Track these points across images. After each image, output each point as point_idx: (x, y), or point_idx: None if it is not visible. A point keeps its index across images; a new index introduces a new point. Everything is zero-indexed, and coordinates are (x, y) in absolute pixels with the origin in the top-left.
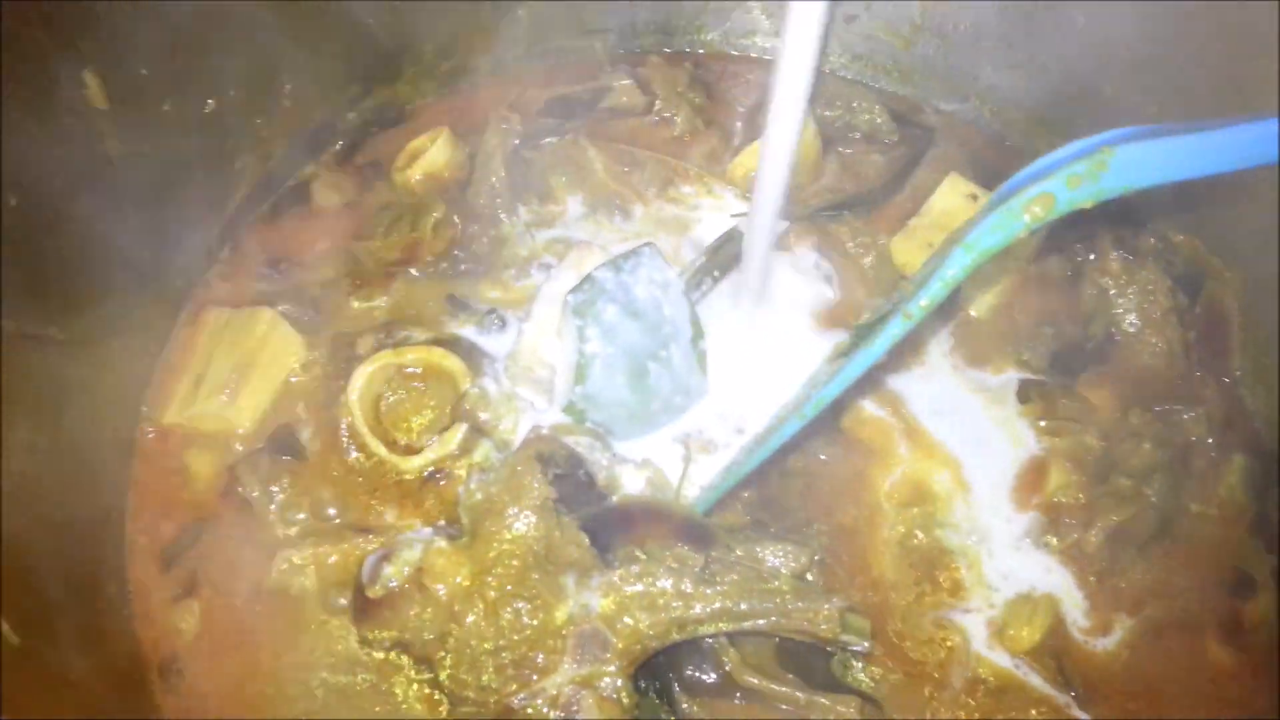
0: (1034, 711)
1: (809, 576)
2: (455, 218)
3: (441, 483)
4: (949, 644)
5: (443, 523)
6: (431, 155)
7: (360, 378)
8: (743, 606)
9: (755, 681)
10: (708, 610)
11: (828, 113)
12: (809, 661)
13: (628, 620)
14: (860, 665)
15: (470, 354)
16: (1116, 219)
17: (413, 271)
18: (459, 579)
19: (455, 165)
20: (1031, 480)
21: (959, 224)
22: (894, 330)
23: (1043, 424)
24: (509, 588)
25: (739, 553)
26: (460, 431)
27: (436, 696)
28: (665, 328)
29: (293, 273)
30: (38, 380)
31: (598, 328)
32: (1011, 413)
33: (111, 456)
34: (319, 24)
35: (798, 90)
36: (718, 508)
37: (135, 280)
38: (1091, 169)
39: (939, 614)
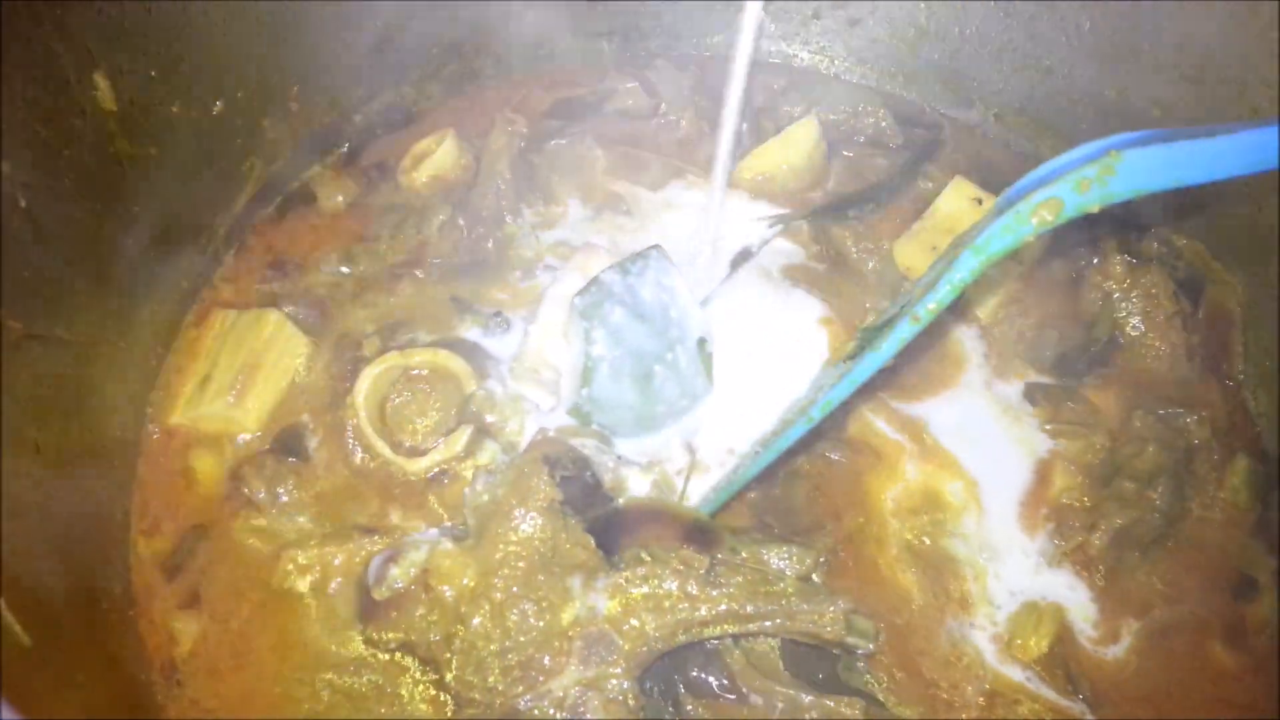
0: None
1: (814, 579)
2: (461, 220)
3: (447, 484)
4: (955, 649)
5: (449, 524)
6: (437, 157)
7: (366, 379)
8: (748, 609)
9: (760, 683)
10: (713, 612)
11: (833, 116)
12: (815, 664)
13: (634, 622)
14: (865, 667)
15: (476, 356)
16: (1120, 223)
17: (418, 273)
18: (465, 580)
19: (461, 167)
20: (1041, 493)
21: (963, 228)
22: (901, 333)
23: (1048, 427)
24: (515, 589)
25: (744, 555)
26: (466, 433)
27: (442, 698)
28: (672, 330)
29: (298, 275)
30: (44, 380)
31: (604, 330)
32: (1029, 431)
33: (117, 457)
34: (325, 27)
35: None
36: (723, 510)
37: (141, 281)
38: (1099, 173)
39: (945, 619)
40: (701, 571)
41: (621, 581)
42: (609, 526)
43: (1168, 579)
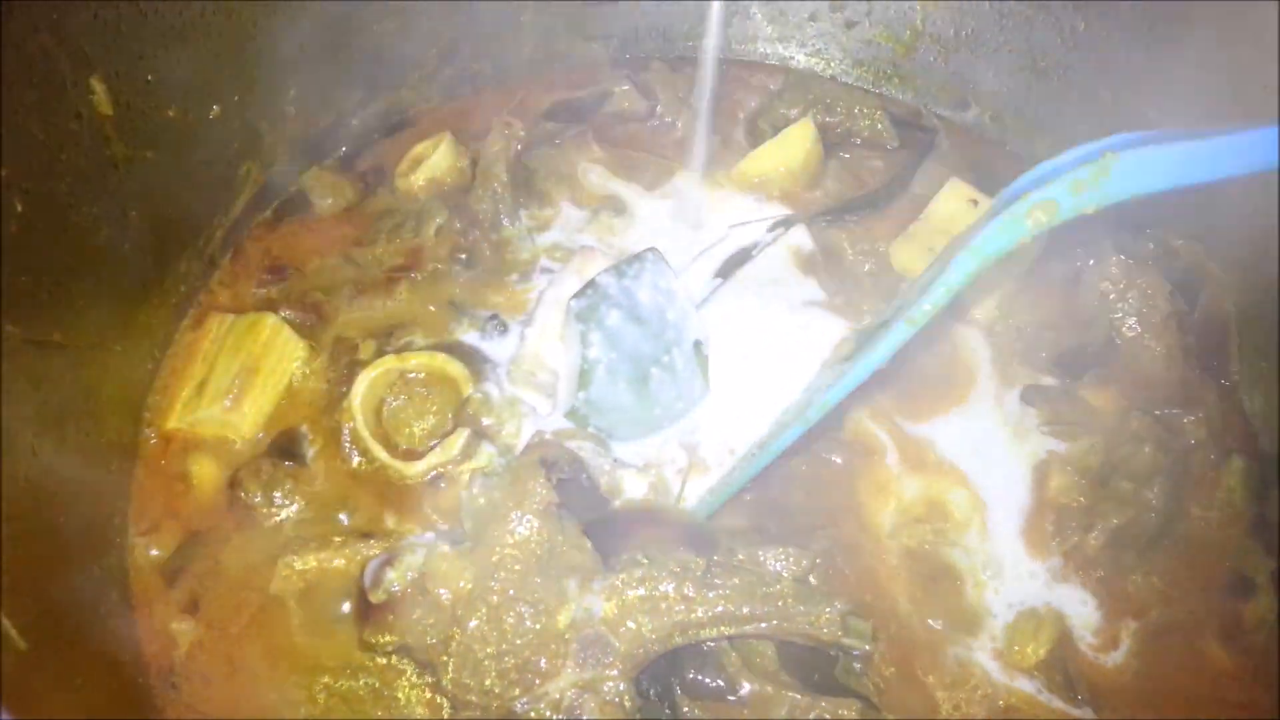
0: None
1: (811, 580)
2: (458, 223)
3: (443, 488)
4: (952, 655)
5: (445, 527)
6: (434, 161)
7: (363, 383)
8: (744, 610)
9: (757, 685)
10: (710, 614)
11: (829, 118)
12: (812, 665)
13: (630, 624)
14: (862, 669)
15: (472, 359)
16: (1116, 224)
17: (415, 277)
18: (462, 583)
19: (457, 171)
20: (1040, 498)
21: (960, 229)
22: (897, 335)
23: (1045, 428)
24: (511, 592)
25: (741, 557)
26: (463, 437)
27: (439, 701)
28: (668, 333)
29: (295, 279)
30: (41, 384)
31: (601, 333)
32: (1030, 436)
33: (114, 462)
34: (322, 30)
35: None
36: (720, 512)
37: (138, 286)
38: (1095, 175)
39: (942, 624)
40: (698, 573)
41: (618, 584)
42: (606, 529)
43: (1165, 579)
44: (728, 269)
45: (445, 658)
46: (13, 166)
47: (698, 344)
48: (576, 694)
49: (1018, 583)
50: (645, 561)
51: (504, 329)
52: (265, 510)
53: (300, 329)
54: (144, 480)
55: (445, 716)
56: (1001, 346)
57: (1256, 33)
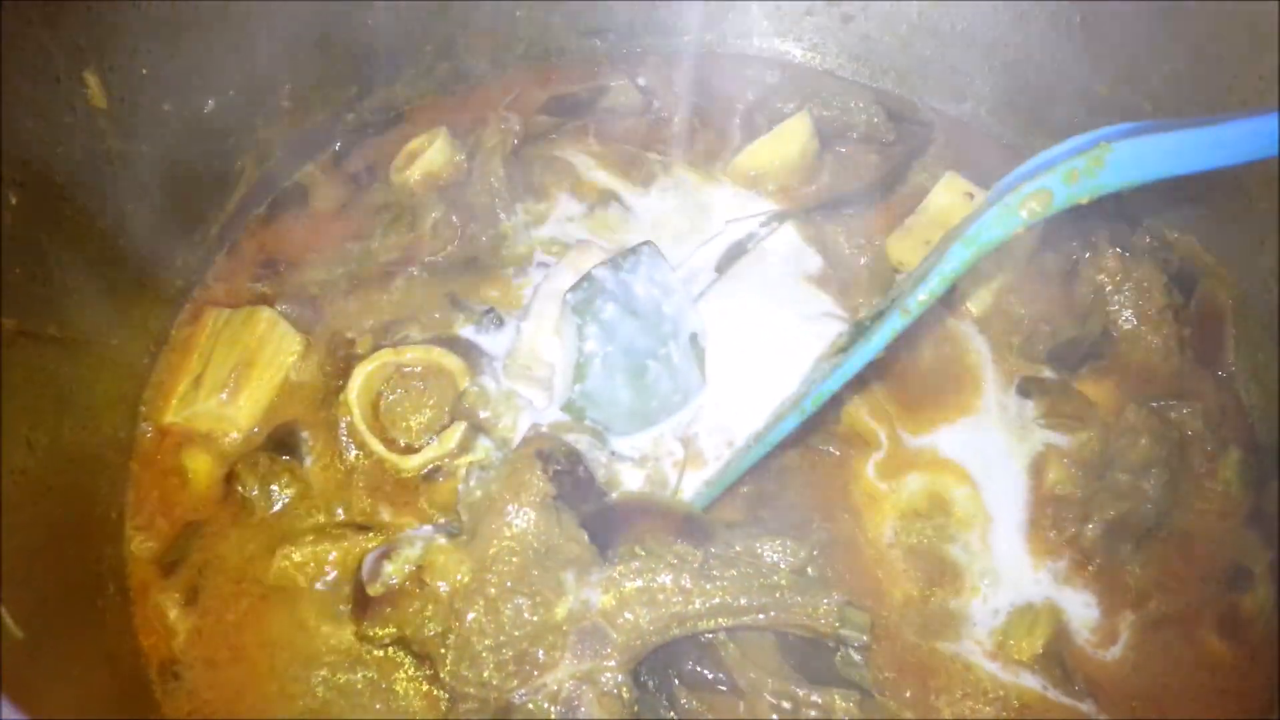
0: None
1: (809, 572)
2: (454, 217)
3: (441, 481)
4: (949, 648)
5: (442, 520)
6: (430, 155)
7: (359, 376)
8: (742, 601)
9: (755, 676)
10: (707, 605)
11: (825, 112)
12: (810, 656)
13: (628, 616)
14: (861, 660)
15: (469, 353)
16: (1112, 216)
17: (412, 271)
18: (459, 576)
19: (454, 165)
20: (1038, 491)
21: (956, 222)
22: (892, 325)
23: (1041, 420)
24: (509, 584)
25: (738, 548)
26: (459, 430)
27: (436, 693)
28: (664, 326)
29: (291, 273)
30: (37, 378)
31: (597, 326)
32: (1028, 429)
33: (110, 455)
34: (317, 25)
35: None
36: (717, 504)
37: (134, 279)
38: (1089, 165)
39: (939, 617)
40: (695, 565)
41: (615, 575)
42: (603, 521)
43: (1162, 570)
44: (724, 262)
45: (443, 650)
46: (7, 159)
47: (694, 337)
48: (574, 685)
49: (1014, 576)
50: (642, 553)
51: (500, 323)
52: (262, 504)
53: (296, 323)
54: (140, 474)
55: (443, 709)
56: (998, 341)
57: (1252, 24)
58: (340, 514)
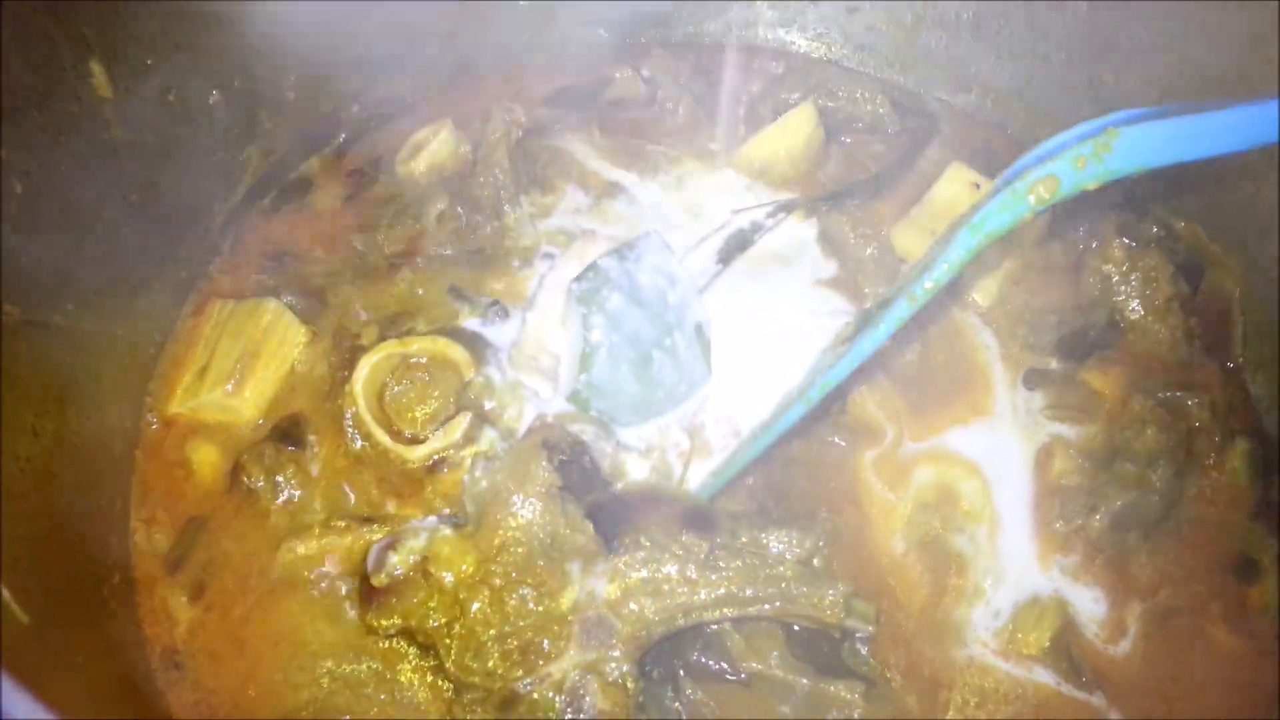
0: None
1: (814, 562)
2: (459, 209)
3: (446, 472)
4: (955, 639)
5: (447, 511)
6: (434, 147)
7: (365, 367)
8: (747, 592)
9: (759, 667)
10: (712, 596)
11: (830, 103)
12: (816, 647)
13: (633, 606)
14: (867, 651)
15: (474, 344)
16: (1119, 206)
17: (417, 262)
18: (464, 566)
19: (458, 157)
20: (1045, 483)
21: (961, 212)
22: (899, 312)
23: (1048, 411)
24: (514, 574)
25: (743, 539)
26: (465, 421)
27: (441, 683)
28: (669, 316)
29: (296, 264)
30: (43, 367)
31: (602, 316)
32: (1035, 421)
33: (116, 446)
34: (321, 16)
35: None
36: (722, 494)
37: (139, 270)
38: (1096, 150)
39: (946, 609)
40: (701, 555)
41: (620, 566)
42: (608, 512)
43: (1169, 561)
44: (729, 253)
45: (448, 640)
46: (12, 149)
47: (699, 327)
48: (580, 675)
49: (1021, 568)
50: (648, 544)
51: (505, 314)
52: (268, 495)
53: (302, 314)
54: (145, 465)
55: (448, 698)
56: (1004, 332)
57: (1259, 10)
58: (346, 505)
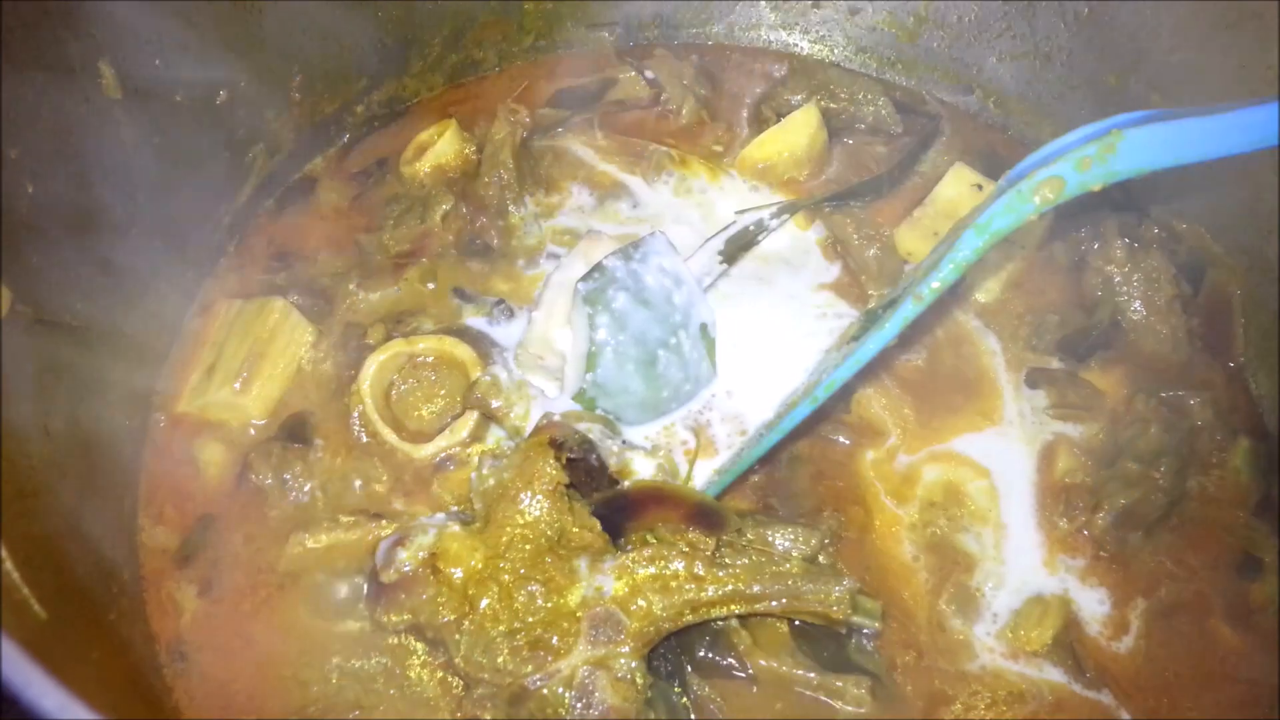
0: (1051, 706)
1: (820, 559)
2: (464, 209)
3: (453, 470)
4: (960, 636)
5: (456, 508)
6: (439, 148)
7: (372, 365)
8: (754, 589)
9: (766, 663)
10: (720, 592)
11: (833, 104)
12: (824, 643)
13: (641, 602)
14: (873, 648)
15: (480, 343)
16: (1121, 207)
17: (423, 262)
18: (473, 563)
19: (463, 157)
20: (1049, 481)
21: (964, 213)
22: (905, 312)
23: (1051, 411)
24: (523, 571)
25: (750, 536)
26: (471, 419)
27: (450, 679)
28: (675, 316)
29: (303, 264)
30: (52, 366)
31: (608, 316)
32: (1039, 421)
33: (124, 444)
34: (327, 16)
35: None
36: (728, 493)
37: (147, 269)
38: (1101, 152)
39: (950, 606)
40: (708, 552)
41: (628, 563)
42: (615, 509)
43: (1172, 559)
44: (733, 253)
45: (458, 636)
46: (23, 149)
47: (704, 327)
48: (588, 671)
49: (1025, 566)
50: (654, 541)
51: (511, 314)
52: (275, 492)
53: (308, 313)
54: (153, 463)
55: (458, 694)
56: (1007, 333)
57: (1260, 14)
58: (353, 502)
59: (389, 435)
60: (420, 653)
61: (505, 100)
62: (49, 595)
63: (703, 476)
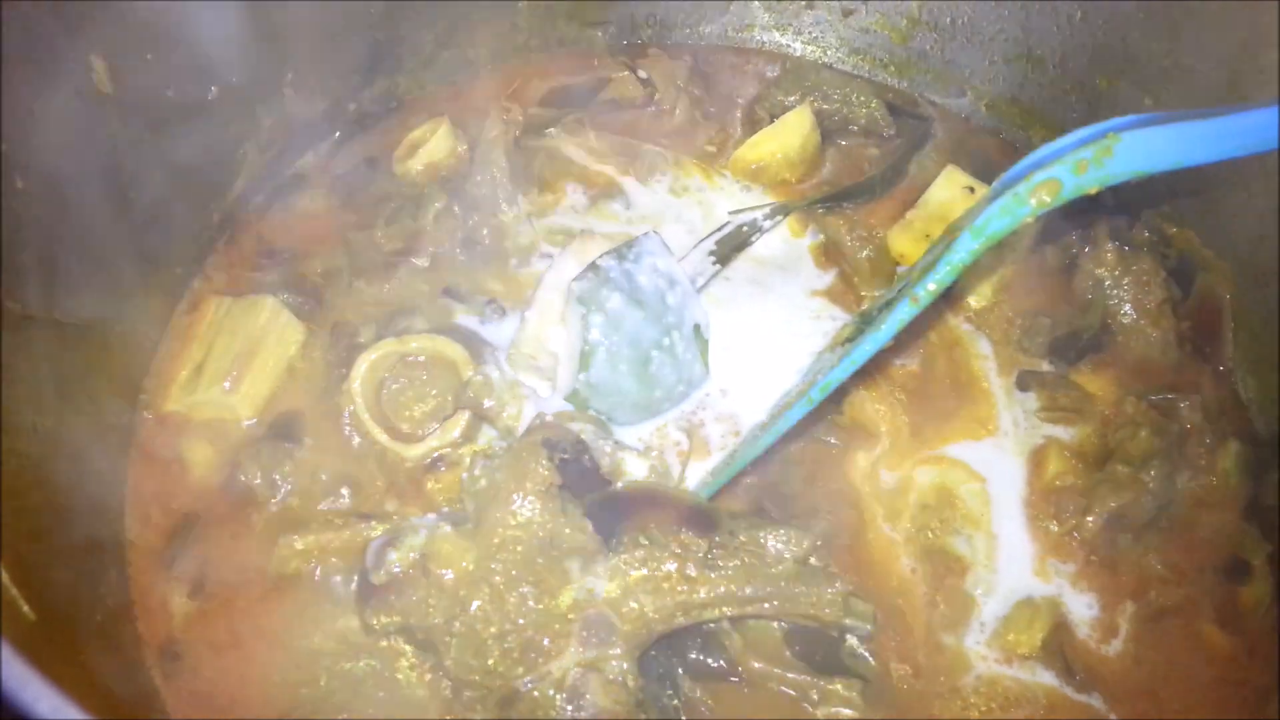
0: (1040, 708)
1: (812, 561)
2: (456, 208)
3: (444, 470)
4: (951, 639)
5: (447, 509)
6: (432, 146)
7: (362, 365)
8: (746, 591)
9: (758, 665)
10: (712, 594)
11: (825, 106)
12: (816, 646)
13: (633, 604)
14: (866, 650)
15: (472, 342)
16: (1111, 211)
17: (414, 261)
18: (464, 564)
19: (456, 156)
20: (1040, 485)
21: (956, 216)
22: (901, 314)
23: (1041, 414)
24: (514, 572)
25: (742, 538)
26: (463, 419)
27: (440, 682)
28: (668, 316)
29: (294, 262)
30: (40, 363)
31: (602, 315)
32: (1030, 425)
33: (112, 443)
34: (320, 13)
35: None
36: (720, 495)
37: (137, 266)
38: (1097, 155)
39: (942, 609)
40: (700, 554)
41: (620, 564)
42: (607, 510)
43: (1162, 562)
44: (727, 254)
45: (448, 638)
46: (12, 143)
47: (698, 328)
48: (580, 673)
49: (1015, 569)
50: (647, 543)
51: (503, 313)
52: (265, 492)
53: (299, 312)
54: (141, 462)
55: (447, 697)
56: (998, 336)
57: (1252, 17)
58: (343, 503)
59: (380, 435)
60: (409, 655)
61: (498, 99)
62: (36, 596)
63: (695, 478)
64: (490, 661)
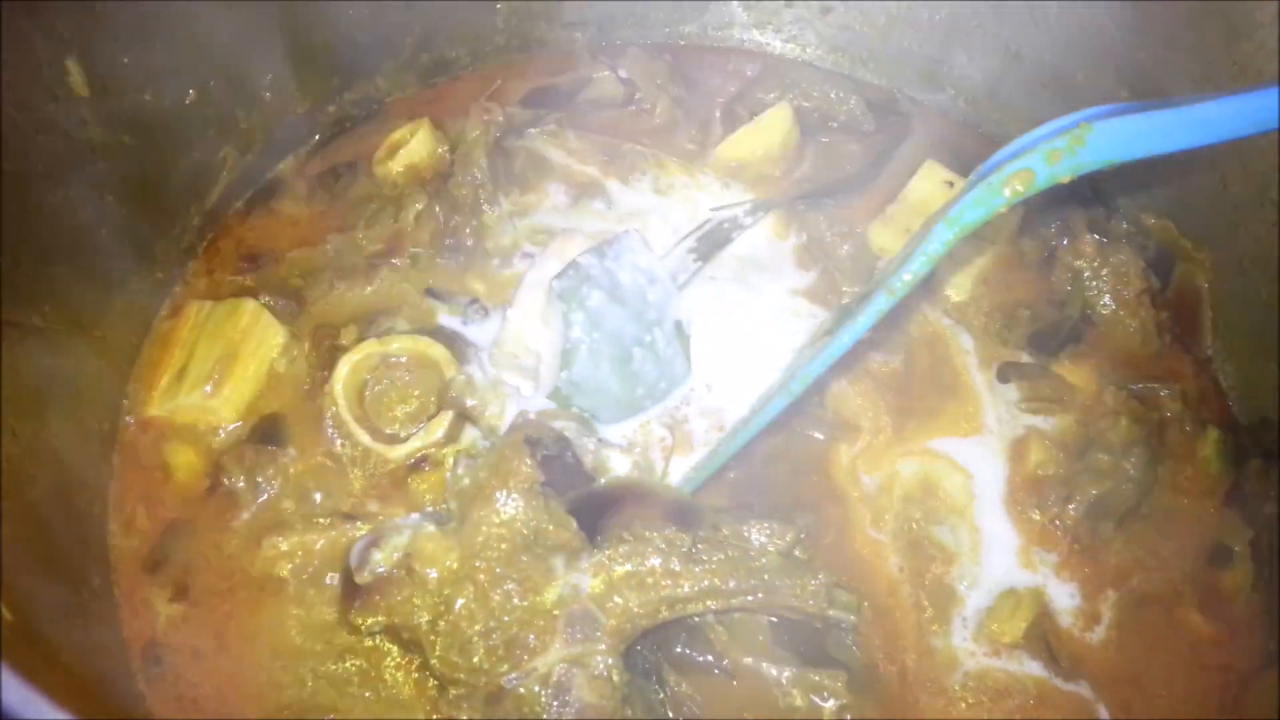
0: (1029, 698)
1: (795, 554)
2: (437, 209)
3: (427, 470)
4: (935, 629)
5: (431, 508)
6: (412, 147)
7: (344, 367)
8: (730, 584)
9: (743, 658)
10: (696, 588)
11: (805, 103)
12: (801, 638)
13: (617, 600)
14: (852, 641)
15: (454, 343)
16: (1090, 202)
17: (395, 263)
18: (448, 563)
19: (436, 157)
20: (1022, 475)
21: (936, 210)
22: (878, 305)
23: (1023, 405)
24: (498, 570)
25: (726, 532)
26: (446, 419)
27: (426, 680)
28: (649, 313)
29: (274, 265)
30: (19, 368)
31: (583, 313)
32: (1012, 417)
33: (93, 448)
34: (298, 16)
35: None
36: (704, 489)
37: (116, 270)
38: (1070, 144)
39: (925, 601)
40: (684, 549)
41: (604, 560)
42: (591, 507)
43: (1144, 549)
44: (708, 251)
45: (433, 637)
46: None
47: (679, 324)
48: (565, 669)
49: (999, 559)
50: (630, 538)
51: (485, 313)
52: (248, 495)
53: (280, 315)
54: (123, 467)
55: (433, 696)
56: (978, 328)
57: (1226, 11)
58: (327, 504)
59: (363, 436)
60: (395, 654)
61: (478, 99)
62: (17, 599)
63: (679, 473)
64: (476, 659)
